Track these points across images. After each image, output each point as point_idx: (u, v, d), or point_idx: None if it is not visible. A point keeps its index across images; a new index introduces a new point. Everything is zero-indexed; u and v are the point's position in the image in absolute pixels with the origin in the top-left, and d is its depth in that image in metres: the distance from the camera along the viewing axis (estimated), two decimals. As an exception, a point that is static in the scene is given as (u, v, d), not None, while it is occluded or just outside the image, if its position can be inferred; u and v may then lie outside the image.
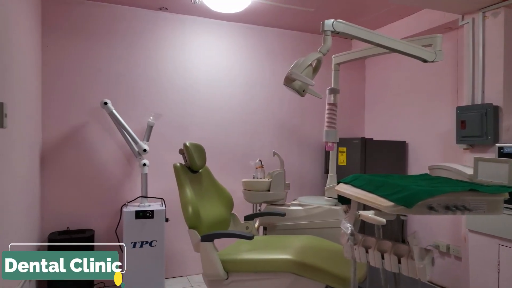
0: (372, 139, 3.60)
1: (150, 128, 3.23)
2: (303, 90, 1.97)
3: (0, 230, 1.77)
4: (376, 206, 1.32)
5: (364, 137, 3.55)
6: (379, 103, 4.17)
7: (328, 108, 2.52)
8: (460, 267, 3.15)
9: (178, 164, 2.30)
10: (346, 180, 1.69)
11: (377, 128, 4.20)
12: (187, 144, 2.34)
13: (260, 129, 3.82)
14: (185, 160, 2.40)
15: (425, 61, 2.01)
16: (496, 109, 2.61)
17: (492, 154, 2.64)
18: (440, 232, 3.36)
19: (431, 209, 1.25)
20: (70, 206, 3.15)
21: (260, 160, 3.06)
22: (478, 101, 2.76)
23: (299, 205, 2.62)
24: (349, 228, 1.52)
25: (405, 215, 1.46)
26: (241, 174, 3.72)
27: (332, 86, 2.57)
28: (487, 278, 2.38)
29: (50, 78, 3.11)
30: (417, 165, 3.63)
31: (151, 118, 3.23)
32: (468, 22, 2.83)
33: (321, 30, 1.98)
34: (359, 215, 1.34)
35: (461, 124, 2.80)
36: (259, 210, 2.83)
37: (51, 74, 3.12)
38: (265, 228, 2.71)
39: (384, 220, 1.25)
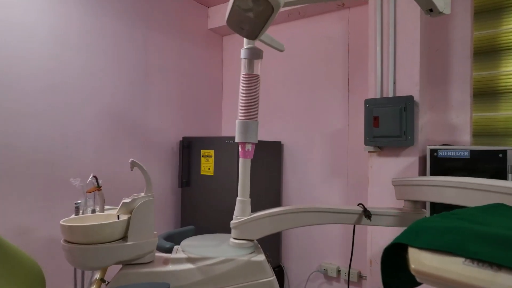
0: (250, 139, 2.69)
1: None
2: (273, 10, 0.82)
3: None
4: None
5: (241, 137, 2.60)
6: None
7: (244, 82, 1.42)
8: (354, 293, 2.64)
9: None
10: (426, 241, 0.67)
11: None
12: None
13: (78, 120, 2.28)
14: None
15: (431, 10, 1.24)
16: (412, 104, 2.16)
17: (411, 158, 2.18)
18: (329, 253, 2.78)
19: None
20: None
21: (95, 176, 1.64)
22: (389, 93, 2.26)
23: (188, 260, 1.41)
24: None
25: None
26: (50, 208, 2.11)
27: (246, 45, 1.47)
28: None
29: None
30: (294, 171, 2.96)
31: None
32: (375, -3, 2.31)
33: None
34: None
35: (374, 121, 2.24)
36: (97, 278, 1.42)
37: None
38: (116, 315, 1.35)
39: None
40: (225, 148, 2.62)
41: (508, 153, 1.78)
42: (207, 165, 2.70)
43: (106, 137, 2.41)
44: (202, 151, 2.73)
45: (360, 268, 2.64)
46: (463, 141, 2.22)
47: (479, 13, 2.20)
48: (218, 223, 2.59)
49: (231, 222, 1.51)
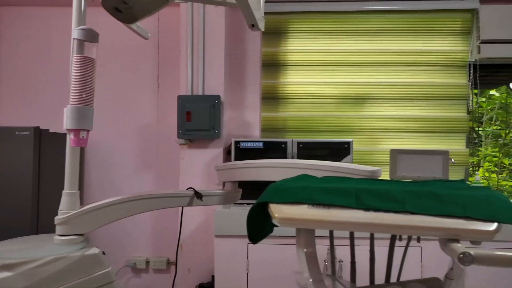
0: (49, 130, 2.36)
1: None
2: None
3: None
4: (470, 236, 0.76)
5: (38, 127, 2.25)
6: (27, 77, 2.83)
7: (78, 66, 1.28)
8: (165, 278, 2.76)
9: None
10: (284, 197, 0.87)
11: (17, 115, 2.83)
12: None
13: None
14: None
15: (253, 25, 1.49)
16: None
17: (217, 149, 2.50)
18: (138, 247, 2.78)
19: None
20: None
21: None
22: (199, 91, 2.52)
23: (3, 267, 1.15)
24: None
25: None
26: None
27: (80, 26, 1.33)
28: (236, 281, 2.20)
29: None
30: (98, 166, 2.79)
31: None
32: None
33: None
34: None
35: (187, 115, 2.44)
36: None
37: None
38: None
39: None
40: (14, 141, 2.20)
41: (288, 144, 2.35)
42: (-14, 162, 2.19)
43: None
44: (-23, 145, 2.19)
45: (168, 255, 2.78)
46: (255, 135, 2.73)
47: (266, 33, 2.76)
48: (4, 231, 2.16)
49: (56, 218, 1.36)
